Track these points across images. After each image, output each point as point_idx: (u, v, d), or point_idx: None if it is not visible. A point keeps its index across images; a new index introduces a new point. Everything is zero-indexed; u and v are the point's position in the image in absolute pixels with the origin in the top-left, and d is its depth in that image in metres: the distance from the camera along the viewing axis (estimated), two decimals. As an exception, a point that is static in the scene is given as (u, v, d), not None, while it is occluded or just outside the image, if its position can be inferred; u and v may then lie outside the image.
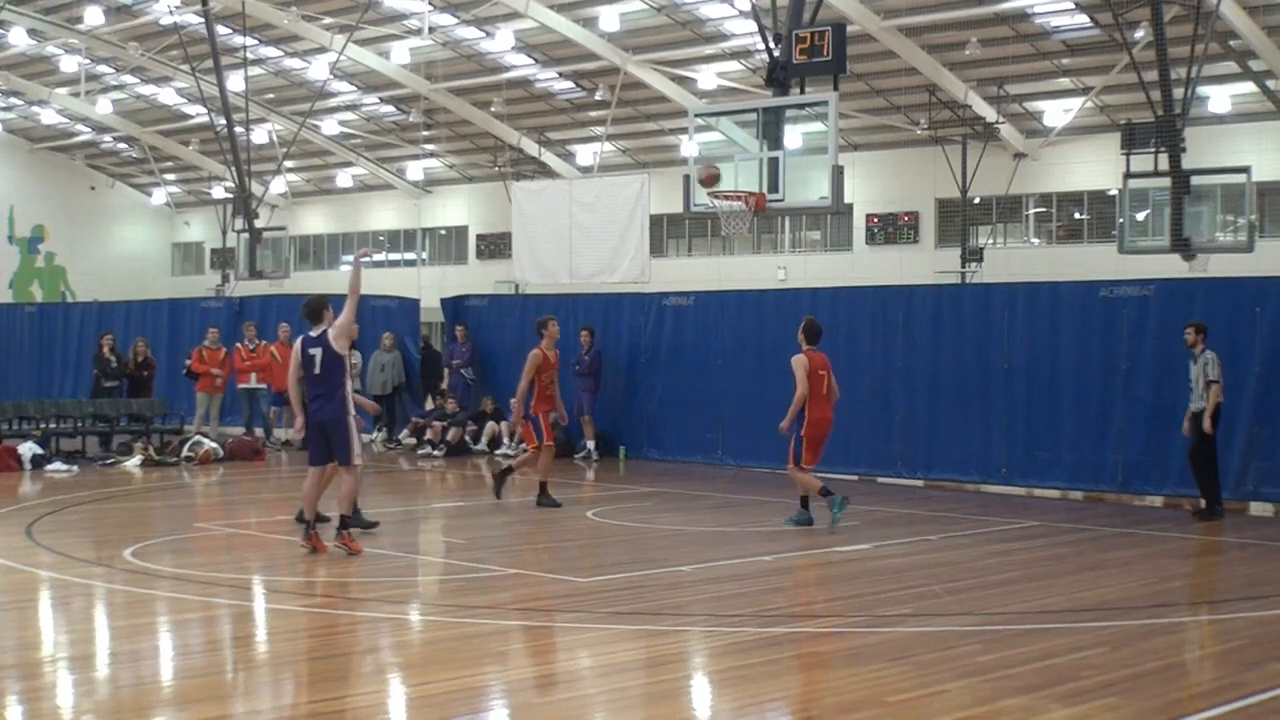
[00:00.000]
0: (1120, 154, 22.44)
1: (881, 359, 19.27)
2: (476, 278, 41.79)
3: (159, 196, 56.83)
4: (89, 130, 52.06)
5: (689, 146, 20.07)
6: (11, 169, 54.14)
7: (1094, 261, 31.24)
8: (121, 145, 53.51)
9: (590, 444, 21.53)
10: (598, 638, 9.26)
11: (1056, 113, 35.75)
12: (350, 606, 10.38)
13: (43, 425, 21.23)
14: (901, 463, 19.04)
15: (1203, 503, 15.47)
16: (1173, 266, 21.47)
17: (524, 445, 21.68)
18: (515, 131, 43.39)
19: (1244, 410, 16.18)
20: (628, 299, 22.48)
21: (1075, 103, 34.97)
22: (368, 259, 17.40)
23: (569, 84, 40.54)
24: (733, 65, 36.81)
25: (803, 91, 17.78)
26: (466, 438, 22.36)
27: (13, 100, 50.20)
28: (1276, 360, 16.10)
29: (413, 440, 22.83)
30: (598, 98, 39.82)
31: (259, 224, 30.21)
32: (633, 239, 22.65)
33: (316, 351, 12.86)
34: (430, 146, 46.81)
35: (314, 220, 53.52)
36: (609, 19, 35.57)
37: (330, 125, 45.52)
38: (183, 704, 7.59)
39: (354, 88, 43.64)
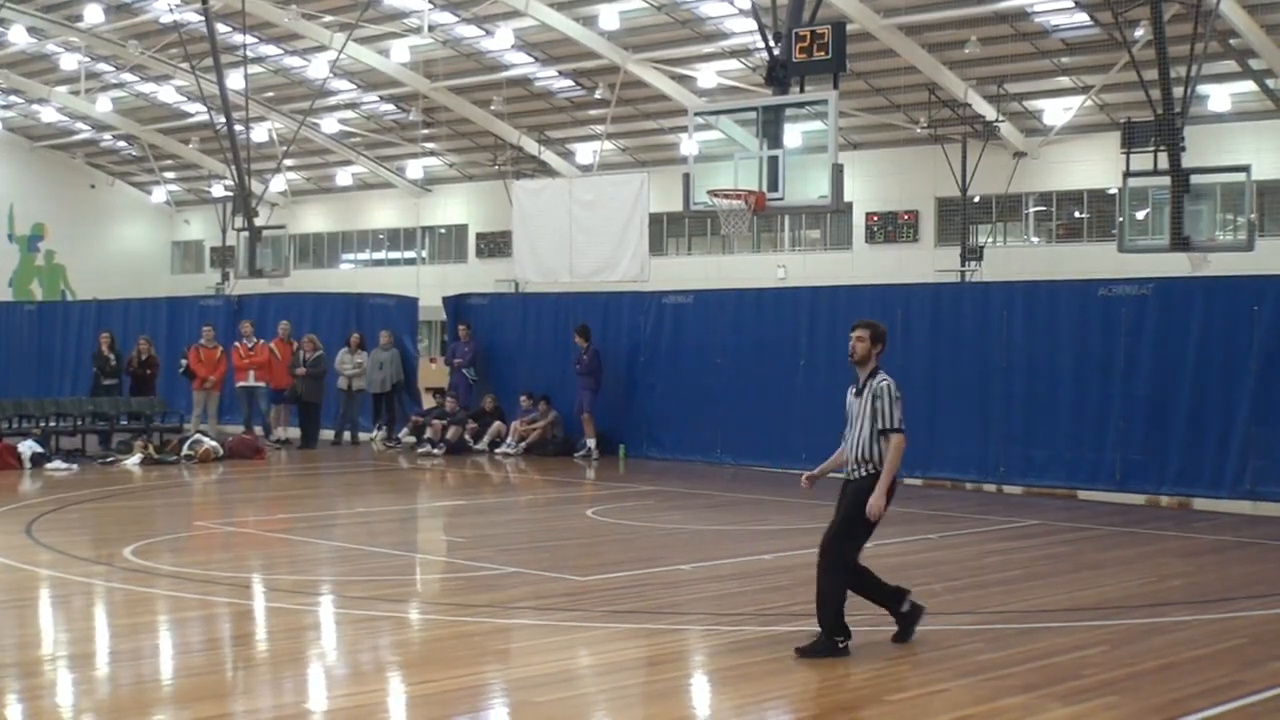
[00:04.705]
0: (1120, 153, 22.44)
1: (880, 358, 19.23)
2: (476, 276, 41.81)
3: (159, 195, 56.86)
4: (89, 128, 52.09)
5: (689, 145, 20.07)
6: (11, 167, 54.16)
7: (1094, 260, 31.25)
8: (121, 143, 53.54)
9: (591, 442, 21.53)
10: (598, 636, 9.26)
11: (1056, 111, 35.78)
12: (350, 605, 10.38)
13: (42, 423, 21.22)
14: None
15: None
16: (1172, 265, 21.48)
17: (522, 444, 21.84)
18: (515, 130, 43.41)
19: (1242, 409, 16.19)
20: (628, 297, 22.49)
21: (1075, 101, 35.00)
22: None
23: (569, 82, 40.57)
24: (732, 64, 36.83)
25: (802, 90, 17.78)
26: (466, 436, 22.36)
27: (13, 98, 50.23)
28: (1275, 359, 16.09)
29: (412, 439, 22.83)
30: (597, 96, 39.85)
31: (259, 222, 30.17)
32: (632, 237, 22.66)
33: None
34: (430, 145, 46.82)
35: (314, 219, 53.54)
36: (609, 17, 35.60)
37: (330, 124, 45.54)
38: (182, 702, 7.59)
39: (354, 86, 43.67)
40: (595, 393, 21.59)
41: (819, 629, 8.74)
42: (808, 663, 8.42)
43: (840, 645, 8.65)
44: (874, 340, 8.98)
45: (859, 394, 8.93)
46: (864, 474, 8.78)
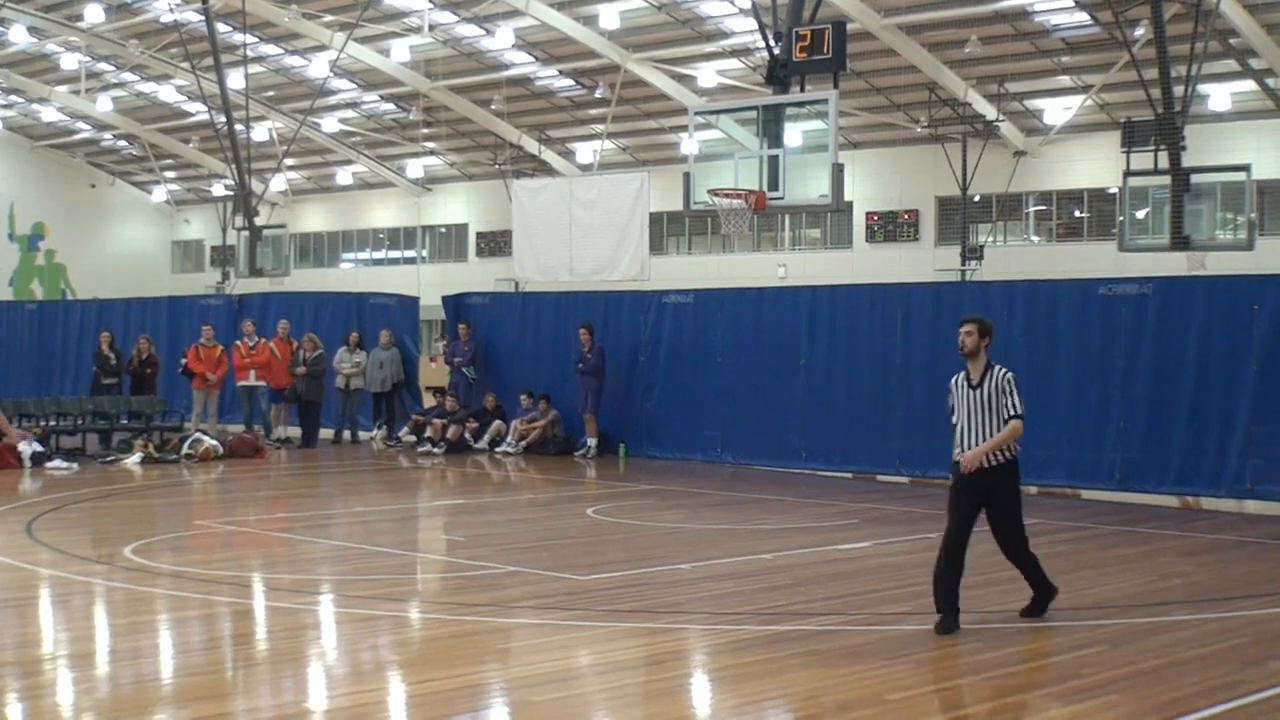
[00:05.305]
0: (1120, 152, 22.43)
1: (880, 357, 19.28)
2: (477, 275, 41.82)
3: (159, 194, 56.86)
4: (89, 128, 52.08)
5: (689, 144, 20.07)
6: (12, 167, 54.15)
7: (1094, 260, 31.25)
8: (122, 143, 53.52)
9: (592, 442, 21.52)
10: (597, 635, 9.26)
11: (1056, 110, 35.78)
12: (350, 604, 10.38)
13: (43, 422, 21.23)
14: (900, 460, 19.04)
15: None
16: (1172, 265, 21.48)
17: (522, 443, 21.84)
18: (515, 129, 43.40)
19: (1242, 409, 16.19)
20: (628, 297, 22.49)
21: (1075, 100, 35.00)
22: None
23: (569, 82, 40.56)
24: (733, 63, 36.83)
25: (803, 89, 17.79)
26: (466, 435, 22.36)
27: (13, 98, 50.22)
28: (1275, 359, 16.09)
29: (413, 438, 22.84)
30: (598, 95, 39.85)
31: (259, 222, 30.19)
32: (633, 237, 22.66)
33: None
34: (430, 144, 46.82)
35: (314, 218, 53.54)
36: (609, 17, 35.59)
37: (330, 123, 45.53)
38: (182, 702, 7.59)
39: (354, 85, 43.66)
40: (600, 392, 21.56)
41: (1034, 596, 9.83)
42: (941, 640, 9.07)
43: (1054, 590, 9.83)
44: (982, 334, 9.50)
45: (975, 387, 9.45)
46: (999, 461, 9.38)
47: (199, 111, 43.42)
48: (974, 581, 11.34)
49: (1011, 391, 9.35)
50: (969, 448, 9.41)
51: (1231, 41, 30.37)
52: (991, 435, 9.34)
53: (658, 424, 21.65)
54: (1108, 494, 17.07)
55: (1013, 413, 9.31)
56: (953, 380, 9.64)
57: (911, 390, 19.00)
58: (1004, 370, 9.46)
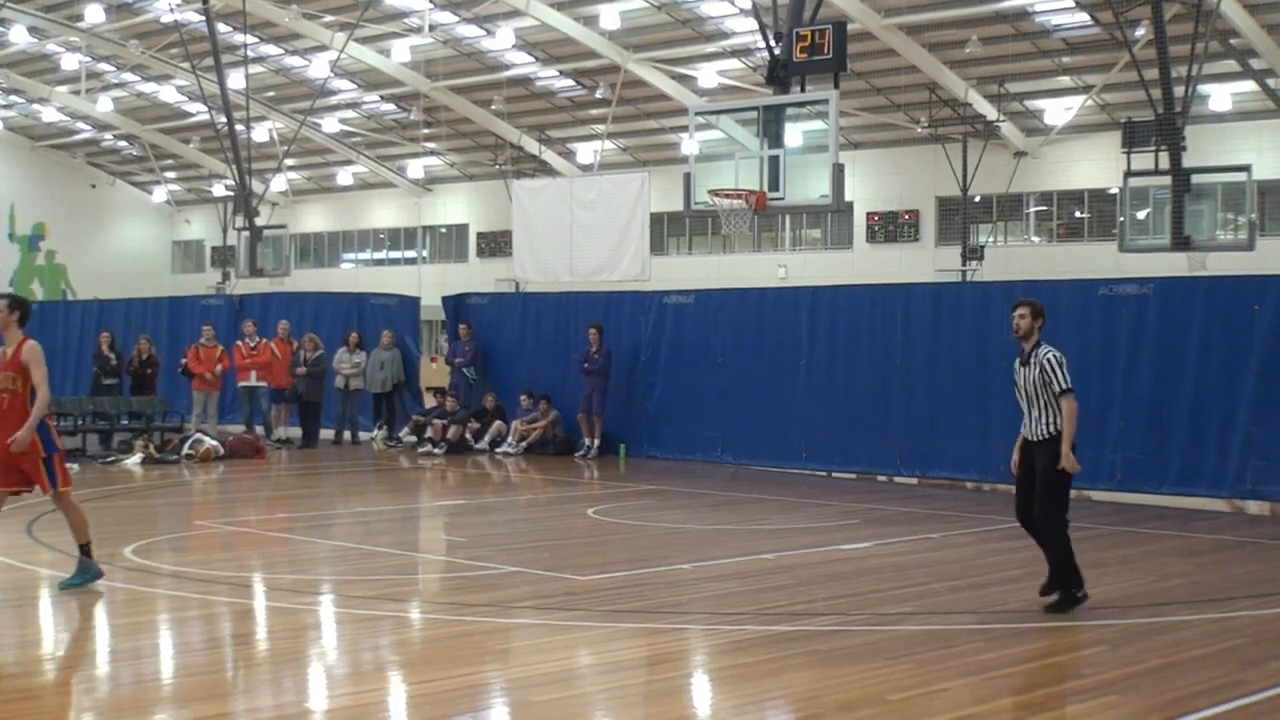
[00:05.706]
0: (1121, 152, 22.47)
1: (881, 357, 19.28)
2: (477, 276, 41.84)
3: (159, 194, 56.89)
4: (90, 128, 52.11)
5: (690, 145, 20.08)
6: (12, 167, 54.18)
7: (1094, 260, 31.26)
8: (122, 143, 53.55)
9: (594, 442, 21.50)
10: (598, 636, 9.26)
11: (1057, 111, 35.80)
12: (350, 604, 10.38)
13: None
14: (900, 461, 19.04)
15: (1056, 592, 10.01)
16: (1173, 265, 21.49)
17: (523, 444, 21.82)
18: (516, 129, 43.42)
19: (1242, 409, 16.18)
20: (628, 297, 22.49)
21: (1076, 101, 35.01)
22: None
23: (569, 82, 40.59)
24: (733, 63, 36.84)
25: (803, 90, 17.80)
26: (467, 435, 22.36)
27: (13, 98, 50.26)
28: (1275, 359, 16.09)
29: (413, 438, 22.84)
30: (598, 96, 39.87)
31: (259, 222, 30.21)
32: (633, 237, 22.66)
33: None
34: (431, 145, 46.84)
35: (314, 218, 53.56)
36: (609, 17, 35.62)
37: (331, 123, 45.56)
38: (183, 702, 7.59)
39: (354, 86, 43.68)
40: (605, 393, 21.54)
41: (1056, 590, 9.87)
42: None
43: (1080, 595, 9.86)
44: (1034, 316, 10.05)
45: (1025, 363, 10.00)
46: (1047, 435, 9.84)
47: (199, 112, 43.44)
48: (973, 582, 11.35)
49: (1054, 370, 9.79)
50: (1029, 424, 9.96)
51: (1232, 42, 30.39)
52: (1039, 411, 9.86)
53: (658, 424, 21.65)
54: (1108, 494, 17.05)
55: (1061, 388, 9.77)
56: (1015, 361, 10.12)
57: (912, 391, 19.00)
58: (1048, 350, 9.88)
